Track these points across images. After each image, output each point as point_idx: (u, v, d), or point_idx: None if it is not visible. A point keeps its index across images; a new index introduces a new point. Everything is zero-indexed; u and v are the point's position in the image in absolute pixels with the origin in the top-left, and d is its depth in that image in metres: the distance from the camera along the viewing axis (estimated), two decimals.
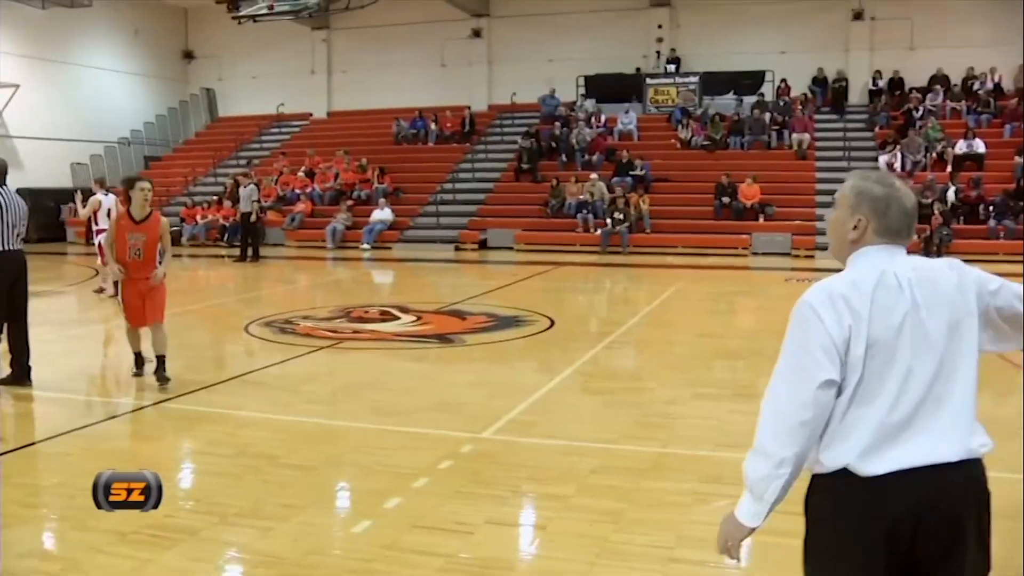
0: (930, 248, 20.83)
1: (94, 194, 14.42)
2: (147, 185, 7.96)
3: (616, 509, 4.92)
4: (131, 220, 7.94)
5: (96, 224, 14.27)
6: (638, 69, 29.47)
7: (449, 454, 5.95)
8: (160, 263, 8.06)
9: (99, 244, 13.18)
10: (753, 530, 2.44)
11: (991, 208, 21.66)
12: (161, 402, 7.47)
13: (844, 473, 2.37)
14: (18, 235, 7.78)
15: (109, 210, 13.60)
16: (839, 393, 2.38)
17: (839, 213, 2.55)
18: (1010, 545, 4.01)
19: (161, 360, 7.89)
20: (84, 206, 14.71)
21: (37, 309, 14.23)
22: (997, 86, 26.07)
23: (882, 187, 2.51)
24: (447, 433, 6.47)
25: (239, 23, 27.45)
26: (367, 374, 8.85)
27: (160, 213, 8.39)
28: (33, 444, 6.42)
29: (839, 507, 2.39)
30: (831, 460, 2.39)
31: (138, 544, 4.48)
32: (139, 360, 8.20)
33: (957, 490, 2.32)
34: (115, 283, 12.65)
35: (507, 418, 6.88)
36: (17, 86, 27.49)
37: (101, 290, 14.36)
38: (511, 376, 8.76)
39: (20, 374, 7.80)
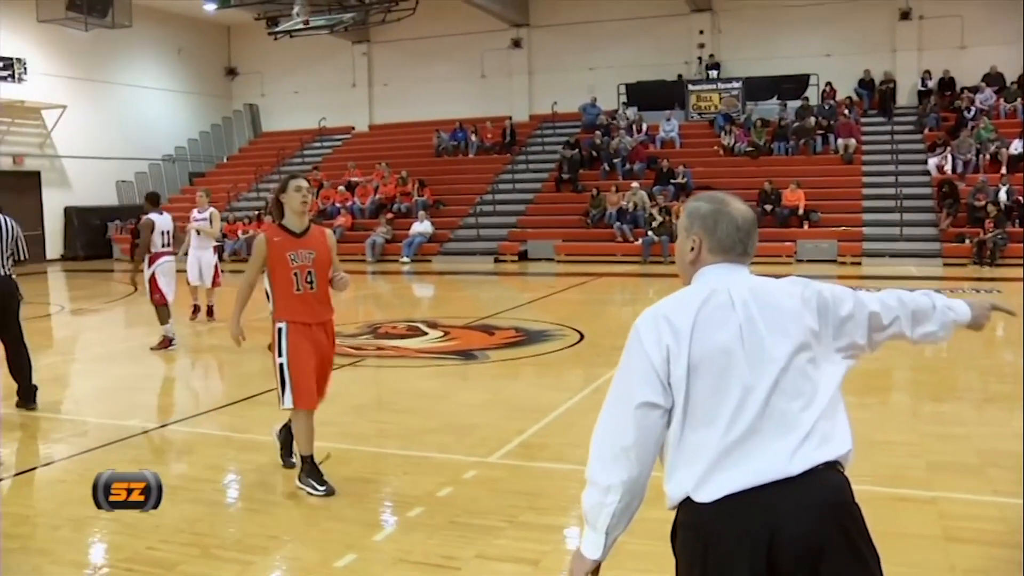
0: (983, 253, 20.17)
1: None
2: (304, 183, 5.57)
3: (616, 542, 4.60)
4: (288, 233, 5.53)
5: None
6: (680, 76, 29.03)
7: (450, 480, 5.70)
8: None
9: (152, 276, 11.08)
10: (596, 562, 2.34)
11: None
12: (168, 424, 7.33)
13: (688, 503, 2.24)
14: (10, 257, 7.60)
15: (164, 232, 11.37)
16: (670, 418, 2.27)
17: (679, 237, 2.48)
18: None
19: (307, 459, 5.56)
20: (205, 224, 13.06)
21: (67, 327, 14.42)
22: None
23: (710, 204, 2.44)
24: (452, 457, 6.21)
25: (276, 39, 27.54)
26: (380, 394, 8.65)
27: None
28: (33, 470, 6.30)
29: (687, 541, 2.26)
30: (673, 491, 2.27)
31: None
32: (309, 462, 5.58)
33: (805, 509, 2.15)
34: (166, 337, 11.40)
35: (517, 440, 6.61)
36: (64, 107, 27.91)
37: (168, 343, 11.18)
38: (529, 395, 8.47)
39: (24, 396, 7.70)
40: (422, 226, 24.98)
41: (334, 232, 23.80)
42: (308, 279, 5.47)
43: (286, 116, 34.30)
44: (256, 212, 27.52)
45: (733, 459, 2.19)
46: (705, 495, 2.19)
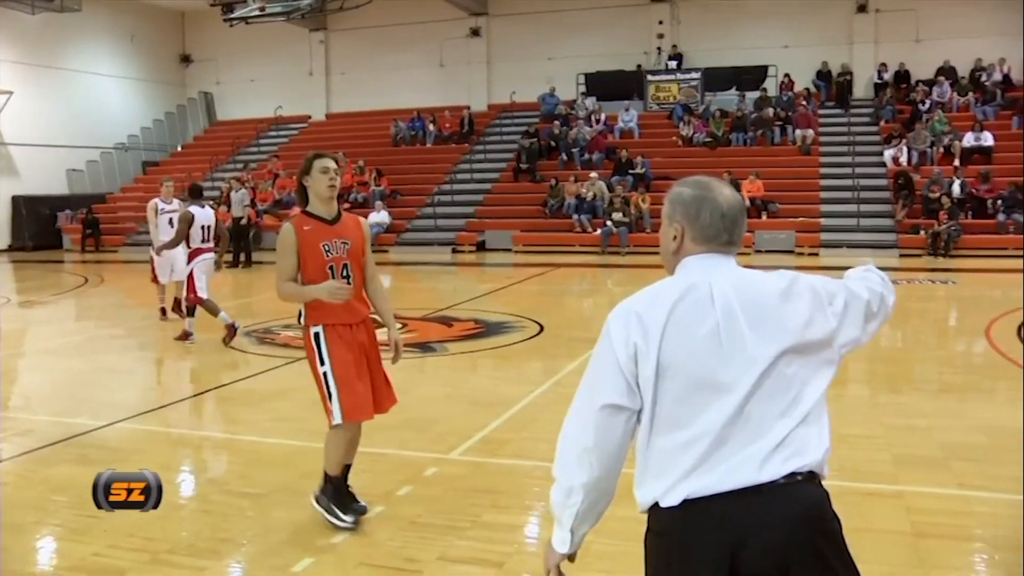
0: (938, 244, 20.37)
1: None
2: (332, 164, 4.78)
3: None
4: (319, 221, 4.80)
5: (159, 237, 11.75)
6: (639, 66, 29.02)
7: (410, 478, 5.56)
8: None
9: (190, 273, 10.63)
10: (565, 555, 2.28)
11: (999, 202, 21.15)
12: (119, 422, 7.10)
13: (656, 509, 2.15)
14: None
15: (204, 227, 10.71)
16: (639, 420, 2.16)
17: (662, 225, 2.33)
18: None
19: (333, 480, 4.88)
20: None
21: (14, 320, 14.02)
22: (1006, 77, 25.49)
23: (693, 190, 2.28)
24: (412, 454, 6.07)
25: (231, 26, 27.09)
26: None
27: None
28: None
29: (654, 548, 2.17)
30: (643, 497, 2.17)
31: None
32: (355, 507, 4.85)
33: (774, 523, 2.04)
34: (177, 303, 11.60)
35: (478, 436, 6.48)
36: (11, 93, 27.23)
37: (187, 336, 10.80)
38: (489, 388, 8.35)
39: None
40: (379, 216, 24.73)
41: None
42: (344, 272, 4.75)
43: (242, 104, 33.77)
44: (212, 201, 27.04)
45: (703, 466, 2.08)
46: (671, 500, 2.10)
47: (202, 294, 10.60)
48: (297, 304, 4.81)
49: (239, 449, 6.37)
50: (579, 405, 2.23)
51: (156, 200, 12.31)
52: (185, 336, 10.64)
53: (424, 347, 10.23)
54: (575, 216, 23.38)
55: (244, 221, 20.52)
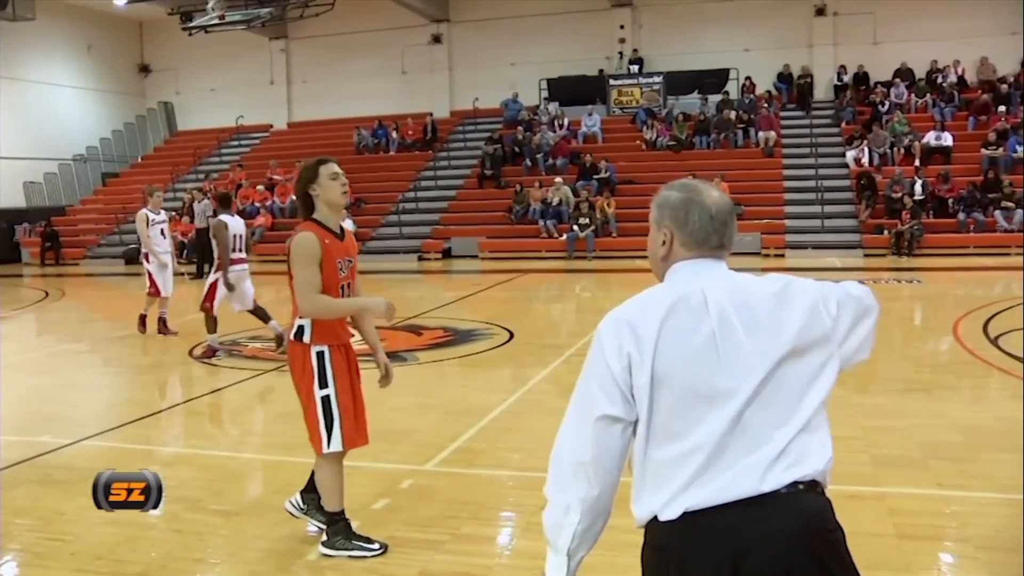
0: (901, 244, 20.56)
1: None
2: (339, 168, 4.52)
3: None
4: (332, 235, 4.49)
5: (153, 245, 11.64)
6: (601, 71, 29.09)
7: (386, 491, 5.46)
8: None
9: (214, 283, 10.34)
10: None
11: (960, 202, 21.40)
12: (83, 440, 6.93)
13: (653, 523, 2.07)
14: None
15: (236, 236, 10.30)
16: (635, 431, 2.09)
17: (650, 231, 2.26)
18: None
19: (340, 517, 4.57)
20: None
21: None
22: (960, 79, 25.88)
23: (681, 193, 2.23)
24: (386, 466, 5.97)
25: (190, 34, 26.81)
26: None
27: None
28: None
29: (651, 563, 2.10)
30: (640, 511, 2.10)
31: None
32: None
33: (775, 534, 1.98)
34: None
35: (453, 447, 6.39)
36: None
37: (213, 352, 10.39)
38: (462, 397, 8.26)
39: None
40: (344, 225, 24.52)
41: (253, 233, 23.55)
42: (346, 292, 4.48)
43: (202, 114, 33.45)
44: (174, 212, 26.71)
45: (703, 477, 2.02)
46: (670, 513, 2.03)
47: (235, 307, 10.40)
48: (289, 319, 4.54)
49: (209, 465, 6.23)
50: (572, 418, 2.14)
51: (145, 211, 11.88)
52: (212, 353, 10.13)
53: (394, 356, 10.09)
54: (541, 222, 23.35)
55: (208, 232, 20.22)
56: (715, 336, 2.06)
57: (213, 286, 10.31)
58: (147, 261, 11.92)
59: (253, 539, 4.79)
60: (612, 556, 4.44)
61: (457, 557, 4.48)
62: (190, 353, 10.32)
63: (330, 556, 4.46)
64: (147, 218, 11.85)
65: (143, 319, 12.11)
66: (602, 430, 2.08)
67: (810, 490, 2.04)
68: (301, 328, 4.42)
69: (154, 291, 11.89)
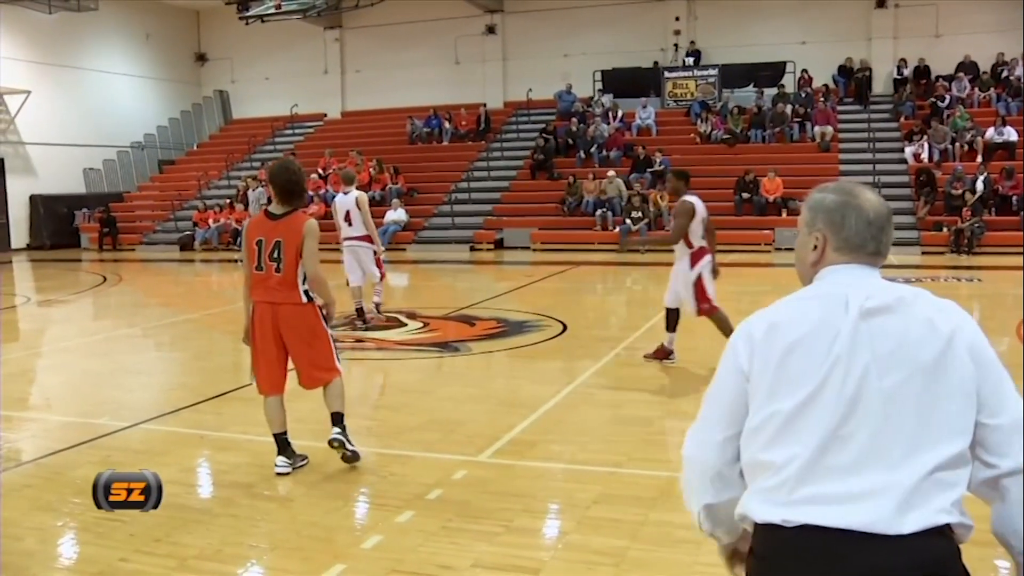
0: (961, 241, 20.15)
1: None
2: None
3: (618, 548, 4.38)
4: None
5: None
6: (656, 63, 28.84)
7: (439, 481, 5.44)
8: None
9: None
10: (728, 544, 2.20)
11: None
12: (141, 423, 7.02)
13: (761, 530, 1.99)
14: None
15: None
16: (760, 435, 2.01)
17: (800, 235, 2.16)
18: None
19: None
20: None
21: (33, 320, 14.00)
22: None
23: (837, 196, 2.11)
24: (440, 456, 5.96)
25: (246, 24, 27.06)
26: (362, 388, 8.36)
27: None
28: None
29: (755, 568, 2.01)
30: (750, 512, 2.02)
31: None
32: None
33: (883, 568, 1.84)
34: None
35: (507, 438, 6.36)
36: (28, 92, 27.29)
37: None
38: (515, 389, 8.22)
39: None
40: (396, 214, 24.66)
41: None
42: None
43: (257, 103, 33.76)
44: (228, 200, 27.07)
45: (815, 493, 1.91)
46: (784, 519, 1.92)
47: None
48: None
49: (263, 451, 6.25)
50: (698, 423, 2.19)
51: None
52: (665, 354, 8.97)
53: (447, 347, 10.12)
54: (598, 213, 23.24)
55: None
56: (851, 343, 1.97)
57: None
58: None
59: (307, 526, 4.81)
60: (663, 552, 4.40)
61: (510, 549, 4.45)
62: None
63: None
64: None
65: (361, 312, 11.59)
66: (726, 438, 2.12)
67: (939, 533, 1.88)
68: (307, 292, 5.62)
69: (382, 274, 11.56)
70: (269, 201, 6.15)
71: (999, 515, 1.98)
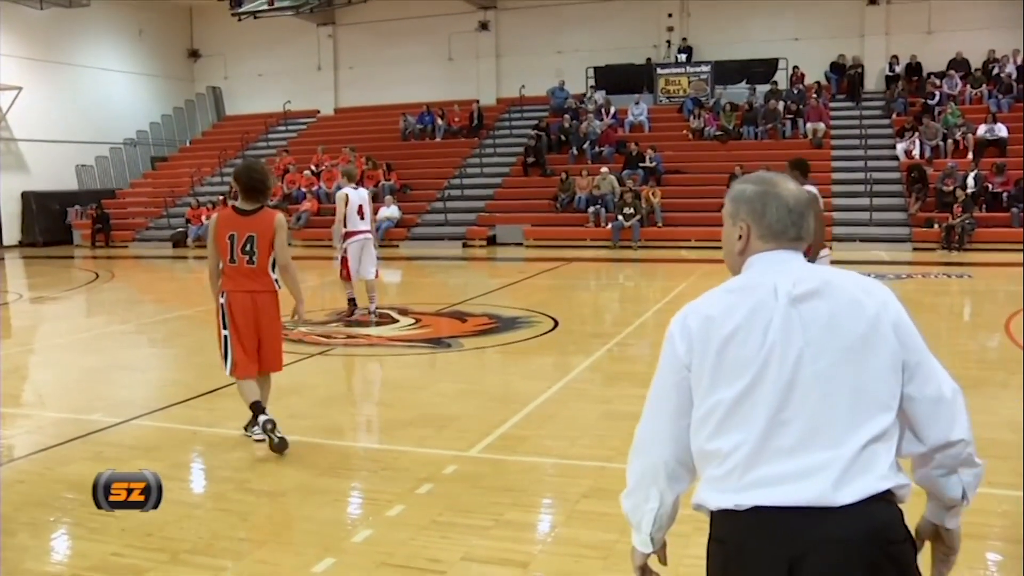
0: (952, 238, 20.23)
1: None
2: None
3: (607, 542, 4.42)
4: None
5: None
6: (648, 59, 28.88)
7: (430, 476, 5.48)
8: None
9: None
10: (649, 554, 2.27)
11: (1014, 195, 20.98)
12: (134, 419, 7.04)
13: (717, 515, 2.07)
14: None
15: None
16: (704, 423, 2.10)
17: (725, 227, 2.24)
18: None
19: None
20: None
21: (26, 316, 14.01)
22: (1020, 69, 25.25)
23: (757, 186, 2.20)
24: (430, 451, 6.00)
25: (239, 20, 27.04)
26: (353, 384, 8.41)
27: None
28: None
29: (715, 552, 2.07)
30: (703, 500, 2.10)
31: None
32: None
33: (834, 537, 1.94)
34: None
35: (498, 433, 6.40)
36: (20, 88, 27.23)
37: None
38: (506, 384, 8.27)
39: None
40: (389, 211, 24.66)
41: (298, 218, 23.74)
42: None
43: (250, 99, 33.74)
44: (221, 197, 27.02)
45: (762, 476, 1.99)
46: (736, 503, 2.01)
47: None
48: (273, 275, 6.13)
49: (254, 447, 6.29)
50: (647, 412, 2.26)
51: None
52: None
53: (439, 343, 10.16)
54: (590, 209, 23.28)
55: None
56: (784, 329, 2.05)
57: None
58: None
59: (298, 520, 4.85)
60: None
61: (500, 543, 4.49)
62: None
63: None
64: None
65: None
66: (676, 424, 2.19)
67: (879, 499, 1.97)
68: (277, 281, 6.15)
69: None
70: (235, 197, 6.35)
71: (923, 475, 2.16)
